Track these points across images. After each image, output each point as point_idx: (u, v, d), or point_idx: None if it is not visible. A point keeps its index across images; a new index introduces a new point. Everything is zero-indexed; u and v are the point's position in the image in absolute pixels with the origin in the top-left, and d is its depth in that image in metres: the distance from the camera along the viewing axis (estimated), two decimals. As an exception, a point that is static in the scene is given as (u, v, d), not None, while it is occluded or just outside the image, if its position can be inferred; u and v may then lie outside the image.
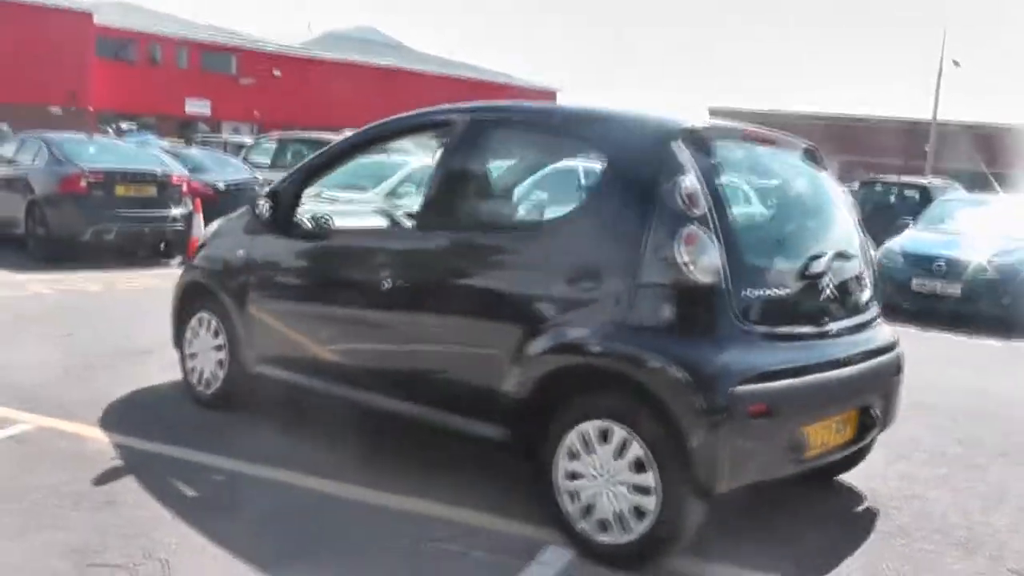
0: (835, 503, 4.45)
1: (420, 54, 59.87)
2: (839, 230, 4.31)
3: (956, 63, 35.35)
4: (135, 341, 6.84)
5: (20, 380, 5.62)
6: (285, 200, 4.91)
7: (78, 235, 11.21)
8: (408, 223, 5.18)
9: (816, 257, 3.88)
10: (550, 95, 57.92)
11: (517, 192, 5.20)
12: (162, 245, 12.24)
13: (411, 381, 4.29)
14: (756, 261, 3.71)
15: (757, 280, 3.64)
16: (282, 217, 4.88)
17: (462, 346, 4.11)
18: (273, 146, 18.00)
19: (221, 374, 5.22)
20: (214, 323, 5.24)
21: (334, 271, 4.77)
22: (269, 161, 16.80)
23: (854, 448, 4.11)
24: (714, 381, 3.42)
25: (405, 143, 6.97)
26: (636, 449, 3.48)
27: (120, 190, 11.51)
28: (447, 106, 4.71)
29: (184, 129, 36.74)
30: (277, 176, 7.65)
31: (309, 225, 4.91)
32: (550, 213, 4.81)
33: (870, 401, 4.03)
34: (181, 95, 45.58)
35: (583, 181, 5.00)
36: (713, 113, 31.54)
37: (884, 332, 4.35)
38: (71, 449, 4.53)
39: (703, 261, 3.48)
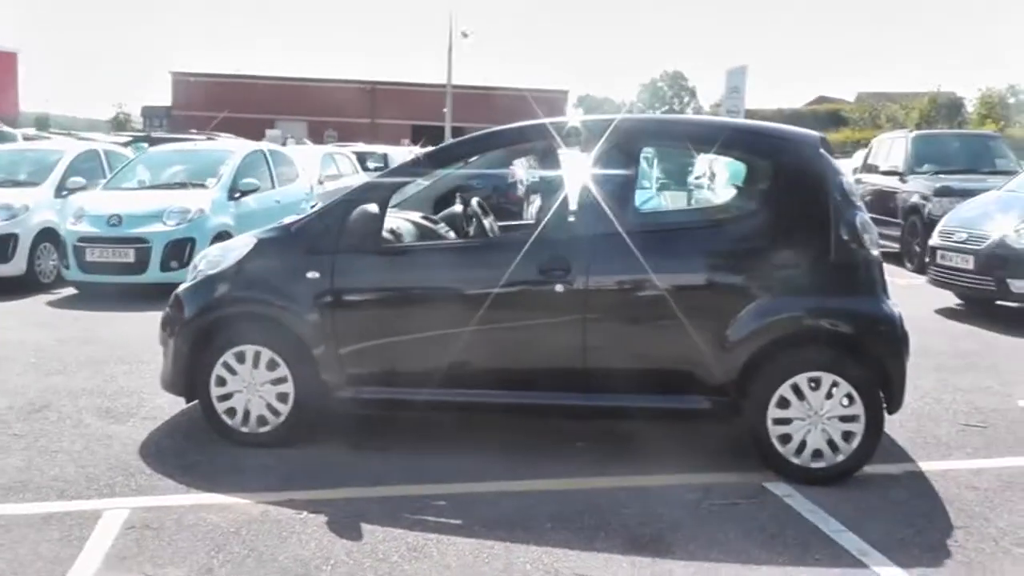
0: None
1: None
2: None
3: (465, 34, 39.31)
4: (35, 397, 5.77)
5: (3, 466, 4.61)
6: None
7: None
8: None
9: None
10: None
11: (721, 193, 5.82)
12: None
13: (601, 375, 4.67)
14: None
15: None
16: (372, 234, 4.77)
17: (665, 337, 4.62)
18: None
19: (285, 408, 4.90)
20: (269, 355, 4.88)
21: (473, 280, 4.81)
22: None
23: None
24: (896, 325, 4.55)
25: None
26: (844, 388, 4.45)
27: None
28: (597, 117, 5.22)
29: None
30: None
31: (406, 239, 5.02)
32: (737, 210, 5.37)
33: None
34: None
35: (747, 183, 5.59)
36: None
37: None
38: (220, 523, 4.00)
39: (872, 237, 4.60)
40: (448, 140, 27.27)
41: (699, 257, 4.72)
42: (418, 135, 41.83)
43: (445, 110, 39.66)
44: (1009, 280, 8.64)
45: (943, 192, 12.55)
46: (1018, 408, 5.96)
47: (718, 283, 4.69)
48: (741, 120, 5.57)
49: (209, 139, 14.50)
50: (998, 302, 9.19)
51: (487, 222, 5.91)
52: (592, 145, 4.82)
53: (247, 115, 42.00)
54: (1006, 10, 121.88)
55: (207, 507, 4.16)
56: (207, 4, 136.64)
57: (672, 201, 13.46)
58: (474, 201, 5.99)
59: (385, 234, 4.94)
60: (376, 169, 19.68)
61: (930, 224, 11.29)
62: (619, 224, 4.68)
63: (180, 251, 9.83)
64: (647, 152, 5.41)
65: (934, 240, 9.75)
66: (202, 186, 10.89)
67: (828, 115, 46.96)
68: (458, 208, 5.95)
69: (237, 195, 10.91)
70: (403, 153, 25.24)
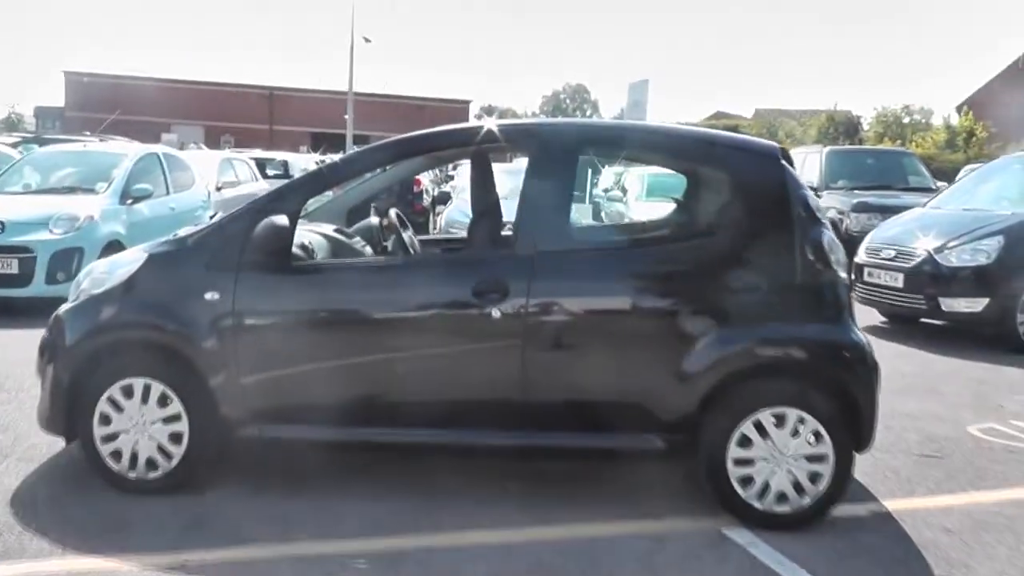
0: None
1: None
2: None
3: (367, 39, 38.45)
4: None
5: None
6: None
7: None
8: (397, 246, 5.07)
9: None
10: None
11: (637, 208, 5.30)
12: None
13: (542, 410, 4.15)
14: None
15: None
16: (281, 249, 4.12)
17: (614, 367, 4.13)
18: None
19: (178, 449, 4.22)
20: (160, 389, 4.19)
21: (396, 302, 4.26)
22: None
23: None
24: (867, 353, 4.15)
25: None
26: (811, 424, 4.02)
27: None
28: (527, 121, 4.85)
29: None
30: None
31: (319, 255, 4.41)
32: (688, 228, 4.94)
33: None
34: None
35: (694, 196, 5.10)
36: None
37: None
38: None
39: (839, 257, 4.19)
40: (353, 147, 26.85)
41: (651, 279, 4.25)
42: (318, 142, 41.08)
43: (347, 116, 38.80)
44: (940, 298, 8.49)
45: (861, 208, 12.52)
46: (969, 436, 5.69)
47: (671, 308, 4.21)
48: (693, 128, 5.09)
49: (101, 141, 13.50)
50: (924, 320, 9.05)
51: (406, 236, 5.25)
52: (527, 151, 4.34)
53: (142, 118, 40.31)
54: (901, 32, 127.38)
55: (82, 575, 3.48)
56: (105, 2, 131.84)
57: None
58: (392, 213, 5.34)
59: (295, 250, 4.30)
60: (276, 176, 18.90)
61: (848, 240, 11.16)
62: (561, 240, 4.22)
63: (67, 262, 8.89)
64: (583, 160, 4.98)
65: (860, 257, 9.56)
66: (92, 191, 9.96)
67: (726, 130, 47.76)
68: (374, 220, 5.33)
69: (129, 201, 10.04)
70: (304, 160, 24.48)
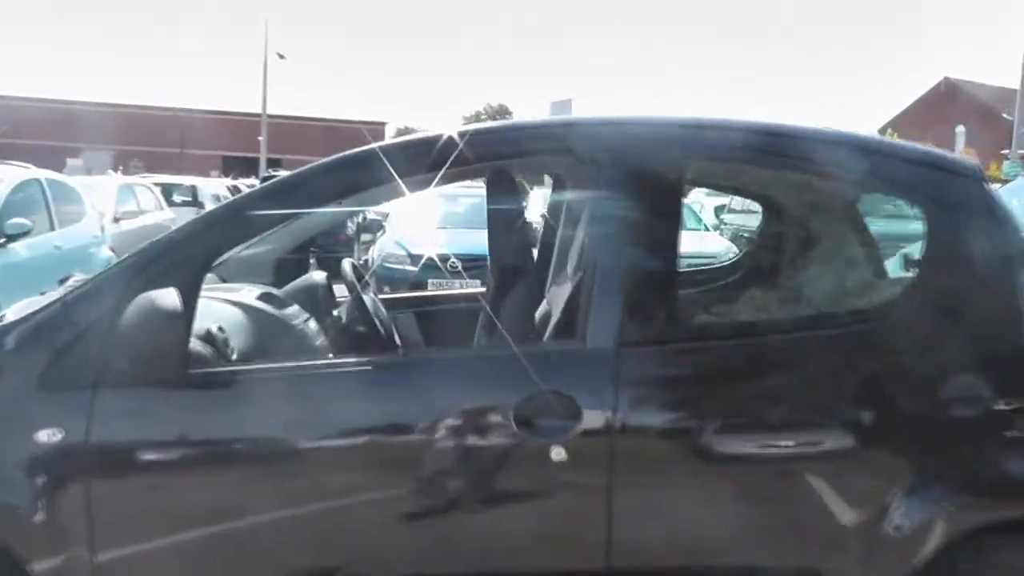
0: None
1: None
2: None
3: (280, 55, 36.82)
4: None
5: None
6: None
7: None
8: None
9: None
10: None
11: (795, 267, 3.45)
12: None
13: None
14: None
15: None
16: (169, 349, 2.46)
17: (760, 526, 2.68)
18: None
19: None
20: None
21: (385, 432, 2.64)
22: None
23: None
24: None
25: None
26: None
27: None
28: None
29: None
30: None
31: (236, 348, 2.87)
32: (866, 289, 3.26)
33: None
34: None
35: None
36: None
37: None
38: None
39: None
40: (268, 171, 24.88)
41: (824, 378, 2.70)
42: (230, 166, 39.33)
43: (260, 138, 37.13)
44: None
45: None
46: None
47: (858, 430, 2.65)
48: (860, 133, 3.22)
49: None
50: None
51: (368, 299, 3.29)
52: (591, 171, 2.79)
53: (46, 142, 38.01)
54: (823, 53, 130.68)
55: None
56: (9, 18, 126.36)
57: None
58: (346, 264, 3.55)
59: (195, 344, 2.69)
60: (184, 204, 17.22)
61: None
62: (666, 322, 2.72)
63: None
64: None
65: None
66: (-53, 231, 8.27)
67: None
68: (317, 277, 3.81)
69: (2, 240, 8.35)
70: (215, 186, 22.73)
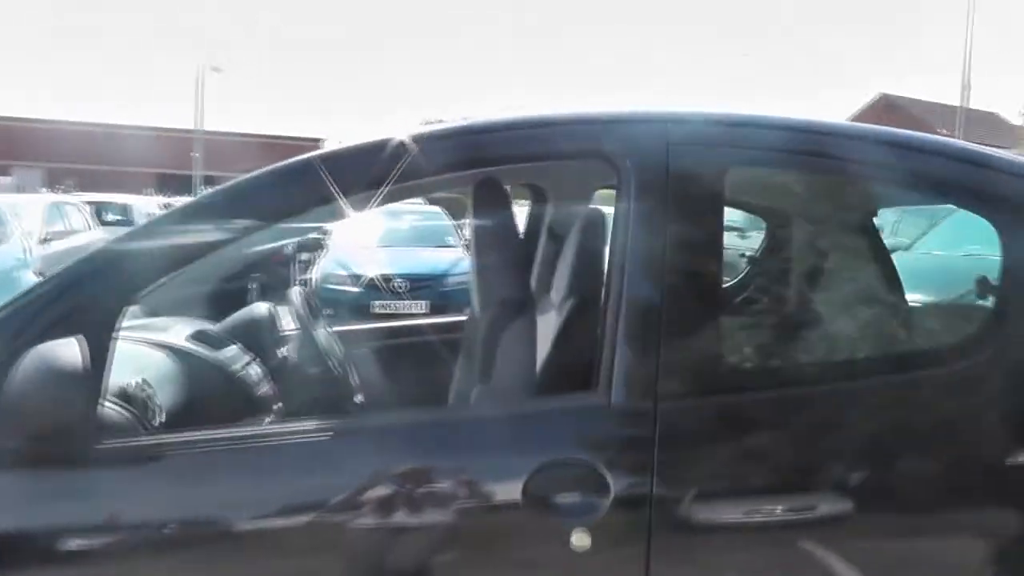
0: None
1: None
2: None
3: (216, 68, 36.41)
4: None
5: None
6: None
7: None
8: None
9: None
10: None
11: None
12: None
13: None
14: None
15: None
16: (74, 413, 1.87)
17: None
18: None
19: None
20: None
21: (355, 511, 1.95)
22: None
23: None
24: None
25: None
26: None
27: None
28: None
29: None
30: None
31: (161, 407, 2.27)
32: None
33: None
34: None
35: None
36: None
37: None
38: None
39: None
40: (202, 188, 23.88)
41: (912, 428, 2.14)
42: (165, 184, 38.46)
43: (195, 155, 36.37)
44: None
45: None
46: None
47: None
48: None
49: None
50: None
51: (320, 334, 2.91)
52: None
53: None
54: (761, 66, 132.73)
55: None
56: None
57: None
58: (294, 293, 3.13)
59: (108, 407, 2.08)
60: (116, 223, 16.66)
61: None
62: (713, 374, 2.08)
63: None
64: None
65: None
66: None
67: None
68: (260, 309, 3.14)
69: (-86, 264, 7.86)
70: (149, 205, 22.08)
